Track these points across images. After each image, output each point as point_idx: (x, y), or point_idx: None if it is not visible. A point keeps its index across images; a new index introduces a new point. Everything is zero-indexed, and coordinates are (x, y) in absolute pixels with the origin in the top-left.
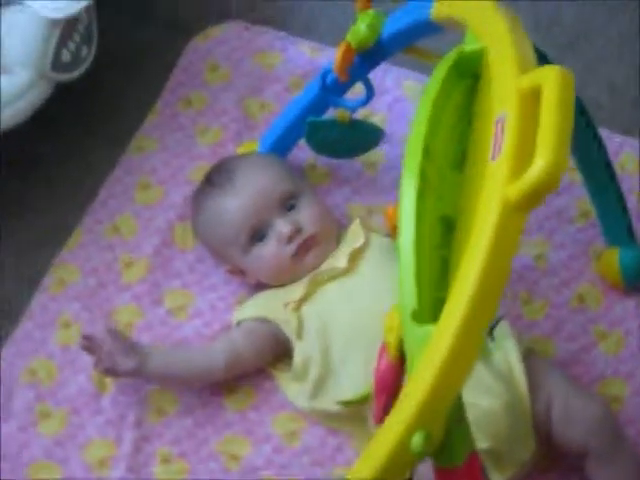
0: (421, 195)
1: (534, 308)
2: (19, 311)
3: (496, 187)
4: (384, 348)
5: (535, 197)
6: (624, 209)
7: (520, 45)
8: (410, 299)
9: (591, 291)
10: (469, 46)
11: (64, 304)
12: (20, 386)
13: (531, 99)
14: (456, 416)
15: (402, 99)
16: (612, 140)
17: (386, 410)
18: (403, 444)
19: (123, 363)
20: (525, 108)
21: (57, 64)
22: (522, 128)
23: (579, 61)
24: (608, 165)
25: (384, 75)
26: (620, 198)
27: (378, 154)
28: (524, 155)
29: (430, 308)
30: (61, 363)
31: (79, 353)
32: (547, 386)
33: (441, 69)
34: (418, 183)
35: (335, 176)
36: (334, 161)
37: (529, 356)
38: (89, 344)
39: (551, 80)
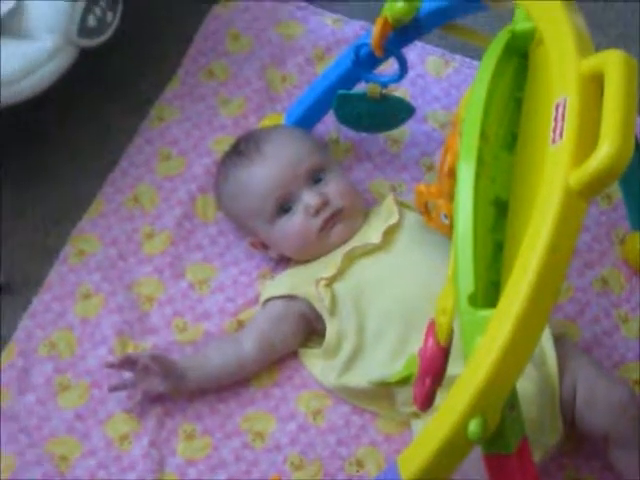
0: (477, 178)
1: None
2: (39, 283)
3: (558, 173)
4: (432, 329)
5: (599, 184)
6: None
7: (578, 27)
8: (468, 283)
9: (614, 275)
10: (520, 25)
11: (84, 275)
12: (39, 358)
13: (592, 84)
14: (509, 403)
15: (425, 74)
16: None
17: (430, 394)
18: (460, 430)
19: (158, 385)
20: (586, 93)
21: (83, 30)
22: (584, 113)
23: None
24: (637, 147)
25: (407, 50)
26: None
27: (402, 130)
28: (587, 141)
29: (484, 292)
30: (81, 335)
31: (99, 325)
32: (573, 369)
33: (494, 50)
34: (475, 167)
35: (358, 152)
36: (357, 136)
37: (558, 339)
38: (122, 365)
39: (614, 65)
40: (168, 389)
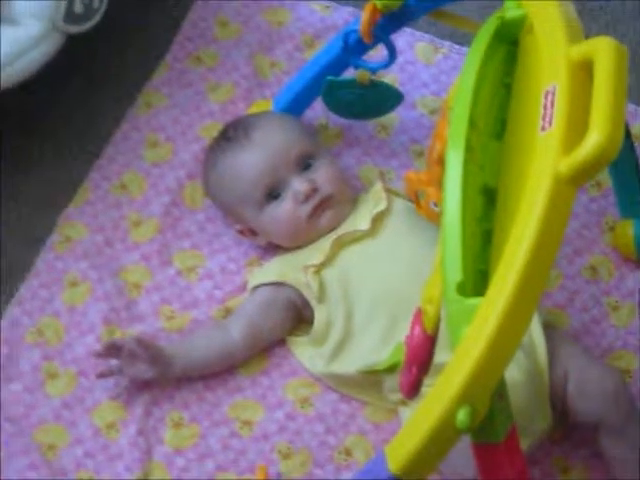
0: (465, 166)
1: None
2: (26, 270)
3: (547, 160)
4: (418, 318)
5: (588, 171)
6: None
7: (567, 15)
8: (455, 271)
9: (603, 262)
10: (510, 12)
11: (71, 263)
12: (26, 346)
13: (582, 71)
14: (498, 392)
15: (414, 61)
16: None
17: (416, 382)
18: (448, 419)
19: (146, 370)
20: (576, 80)
21: (70, 15)
22: (574, 100)
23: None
24: (628, 135)
25: (396, 37)
26: (637, 170)
27: (391, 116)
28: (576, 128)
29: (472, 281)
30: (68, 323)
31: (86, 313)
32: (564, 358)
33: (483, 36)
34: (464, 154)
35: (347, 138)
36: (346, 122)
37: (547, 327)
38: (108, 351)
39: (604, 52)
40: (155, 375)
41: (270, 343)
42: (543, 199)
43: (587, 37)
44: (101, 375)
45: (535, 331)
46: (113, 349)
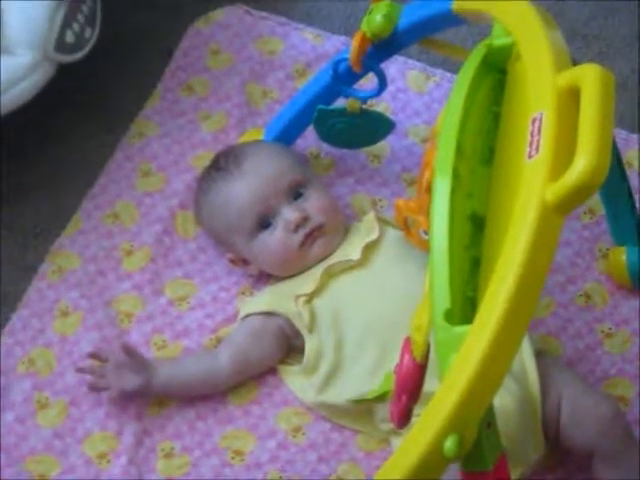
0: (452, 194)
1: (540, 305)
2: (18, 299)
3: (534, 187)
4: (407, 346)
5: (575, 198)
6: (633, 207)
7: (555, 42)
8: (443, 299)
9: (597, 289)
10: (498, 40)
11: (62, 292)
12: (18, 376)
13: (569, 98)
14: (486, 420)
15: (406, 89)
16: (618, 137)
17: (406, 411)
18: (436, 447)
19: (132, 380)
20: (563, 107)
21: (61, 45)
22: (561, 128)
23: (583, 58)
24: (619, 162)
25: (388, 64)
26: (630, 197)
27: (383, 145)
28: (563, 155)
29: (460, 309)
30: (59, 353)
31: (78, 343)
32: (557, 385)
33: (471, 64)
34: (451, 182)
35: (339, 167)
36: (338, 151)
37: (539, 355)
38: (93, 362)
39: (590, 79)
40: (141, 384)
41: (259, 372)
42: (530, 227)
43: (580, 64)
44: (90, 388)
45: (527, 358)
46: (100, 359)
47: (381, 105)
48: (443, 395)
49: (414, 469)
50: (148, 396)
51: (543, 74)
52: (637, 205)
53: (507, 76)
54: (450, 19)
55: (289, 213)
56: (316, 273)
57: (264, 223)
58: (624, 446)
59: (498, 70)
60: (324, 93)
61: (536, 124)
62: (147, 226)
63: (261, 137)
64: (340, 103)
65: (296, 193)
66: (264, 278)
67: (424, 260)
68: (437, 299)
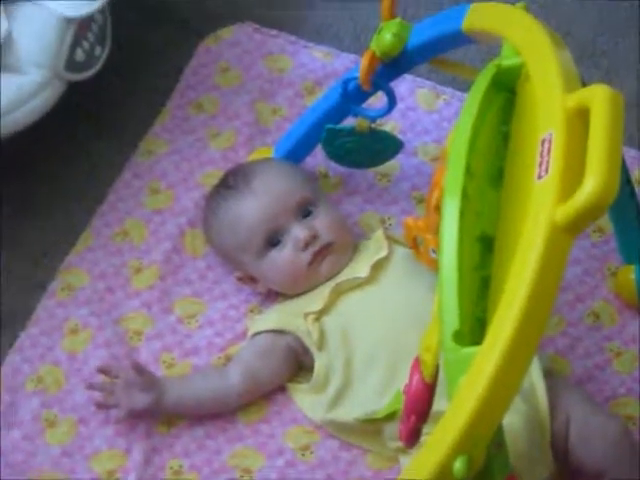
0: (462, 214)
1: (551, 323)
2: (27, 317)
3: (544, 208)
4: (417, 366)
5: (585, 219)
6: None
7: (564, 63)
8: (452, 320)
9: (606, 308)
10: (507, 60)
11: (72, 310)
12: (26, 394)
13: (578, 119)
14: (495, 441)
15: (415, 107)
16: (627, 155)
17: (415, 431)
18: (445, 469)
19: (141, 399)
20: (572, 128)
21: (71, 64)
22: (570, 148)
23: (592, 77)
24: (628, 181)
25: (397, 83)
26: (639, 215)
27: (392, 164)
28: (572, 176)
29: (470, 330)
30: (68, 370)
31: (87, 361)
32: (565, 404)
33: (480, 84)
34: (460, 202)
35: (347, 185)
36: (346, 170)
37: (548, 374)
38: (103, 379)
39: (600, 100)
40: (150, 403)
41: (268, 390)
42: (539, 249)
43: (588, 83)
44: (99, 406)
45: (536, 378)
46: (109, 374)
47: (390, 123)
48: (452, 416)
49: None
50: (157, 414)
51: (552, 95)
52: None
53: (516, 96)
54: (460, 39)
55: (298, 231)
56: (325, 291)
57: (273, 241)
58: (633, 466)
59: (507, 90)
60: (333, 112)
61: (545, 145)
62: (156, 244)
63: (271, 155)
64: (349, 122)
65: (305, 211)
66: (272, 296)
67: (433, 278)
68: (446, 320)
